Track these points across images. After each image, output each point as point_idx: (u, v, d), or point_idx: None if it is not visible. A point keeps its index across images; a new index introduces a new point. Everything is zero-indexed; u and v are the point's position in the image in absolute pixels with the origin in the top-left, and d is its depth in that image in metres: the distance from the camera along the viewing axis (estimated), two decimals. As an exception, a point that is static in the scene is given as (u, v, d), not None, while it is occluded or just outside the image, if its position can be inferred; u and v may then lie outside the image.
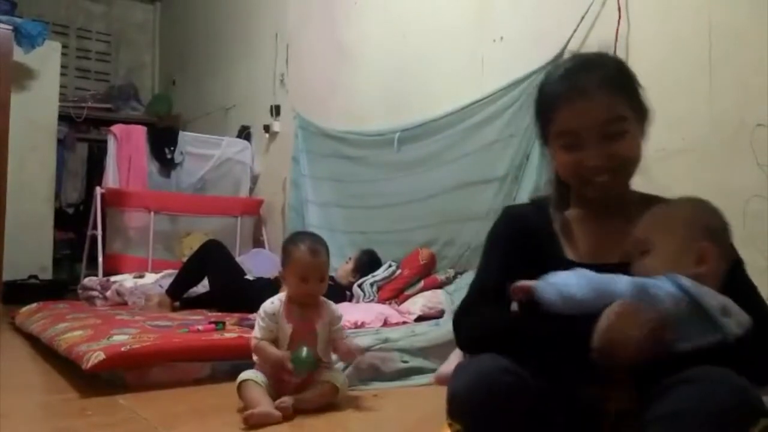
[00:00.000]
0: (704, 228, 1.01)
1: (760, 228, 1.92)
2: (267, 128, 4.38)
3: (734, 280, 1.02)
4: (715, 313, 0.89)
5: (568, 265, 1.08)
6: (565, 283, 0.95)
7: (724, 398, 0.81)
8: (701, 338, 0.89)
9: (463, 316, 1.14)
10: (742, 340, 0.89)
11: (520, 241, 1.14)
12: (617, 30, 2.34)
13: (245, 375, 1.72)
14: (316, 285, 1.80)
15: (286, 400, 1.66)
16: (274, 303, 1.79)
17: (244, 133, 4.64)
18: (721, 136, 2.11)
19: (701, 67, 2.16)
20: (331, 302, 1.89)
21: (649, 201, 1.14)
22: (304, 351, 1.69)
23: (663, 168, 2.19)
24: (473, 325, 1.10)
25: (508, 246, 1.16)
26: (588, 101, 1.04)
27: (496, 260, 1.17)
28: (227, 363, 2.12)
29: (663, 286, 0.92)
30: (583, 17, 2.48)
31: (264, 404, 1.62)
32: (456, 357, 1.28)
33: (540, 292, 0.96)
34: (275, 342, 1.77)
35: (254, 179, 4.61)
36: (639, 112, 1.10)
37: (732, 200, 1.97)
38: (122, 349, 1.96)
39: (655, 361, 0.90)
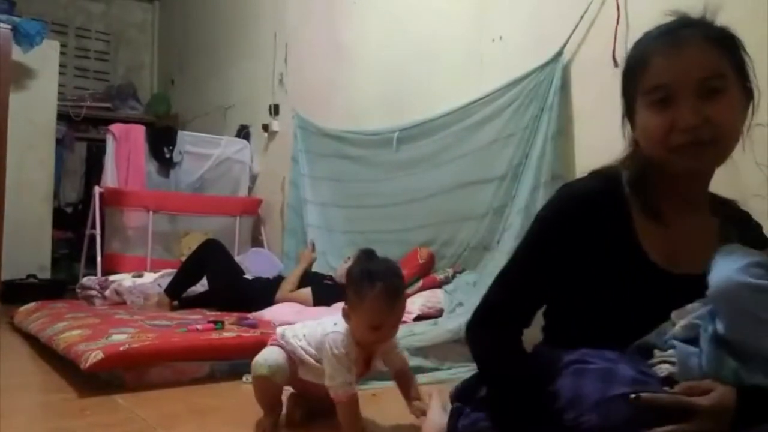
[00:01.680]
0: None
1: (759, 228, 1.92)
2: (266, 128, 4.38)
3: None
4: None
5: (651, 270, 1.00)
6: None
7: None
8: None
9: (476, 329, 1.08)
10: None
11: (580, 234, 1.00)
12: (616, 29, 2.34)
13: (263, 369, 1.52)
14: (388, 332, 1.47)
15: (297, 414, 1.63)
16: (344, 347, 1.45)
17: (243, 133, 4.64)
18: (719, 135, 2.11)
19: (700, 66, 2.16)
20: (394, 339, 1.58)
21: (723, 204, 1.09)
22: None
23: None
24: (479, 350, 1.06)
25: (555, 247, 1.02)
26: (687, 52, 0.96)
27: (532, 268, 1.05)
28: (226, 362, 2.13)
29: None
30: (582, 17, 2.47)
31: (273, 417, 1.57)
32: (436, 410, 1.22)
33: None
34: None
35: (253, 179, 4.61)
36: (742, 80, 1.00)
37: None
38: (121, 348, 1.96)
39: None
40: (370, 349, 1.52)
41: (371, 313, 1.41)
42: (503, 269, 1.10)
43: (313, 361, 1.52)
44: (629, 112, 1.05)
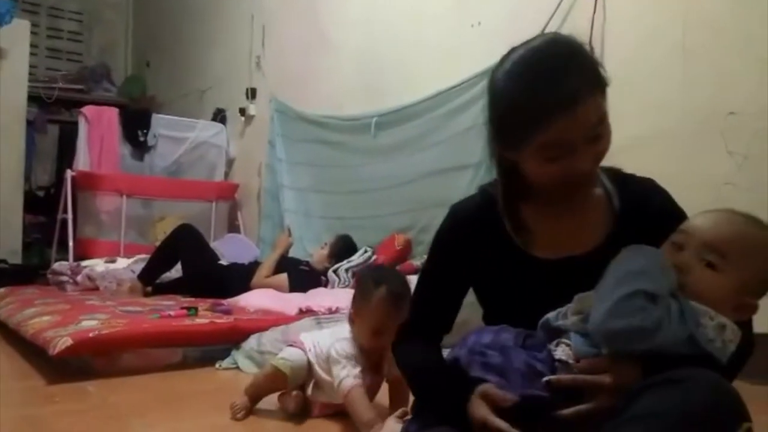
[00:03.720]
0: None
1: (729, 216, 1.95)
2: (243, 111, 4.33)
3: None
4: (714, 352, 0.85)
5: (528, 263, 1.07)
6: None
7: (705, 402, 0.78)
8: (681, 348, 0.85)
9: (398, 345, 1.20)
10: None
11: (469, 250, 1.11)
12: (593, 17, 2.35)
13: (285, 368, 1.50)
14: (391, 339, 1.39)
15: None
16: (350, 350, 1.45)
17: (220, 116, 4.58)
18: (693, 123, 2.13)
19: (675, 55, 2.17)
20: None
21: (608, 175, 1.10)
22: None
23: (636, 154, 2.20)
24: (402, 361, 1.18)
25: (449, 264, 1.14)
26: (581, 109, 0.93)
27: (433, 280, 1.17)
28: (198, 348, 2.11)
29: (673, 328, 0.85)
30: (559, 4, 2.47)
31: (250, 404, 1.55)
32: (392, 419, 1.24)
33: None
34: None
35: (229, 163, 4.57)
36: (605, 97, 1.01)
37: (703, 187, 2.00)
38: (90, 335, 1.92)
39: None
40: (377, 355, 1.48)
41: (374, 316, 1.41)
42: (416, 287, 1.21)
43: (322, 374, 1.49)
44: (507, 150, 1.03)
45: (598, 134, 0.96)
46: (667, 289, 0.88)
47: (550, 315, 0.98)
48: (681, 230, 0.95)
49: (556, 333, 0.96)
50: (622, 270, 0.90)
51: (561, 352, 0.93)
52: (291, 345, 1.59)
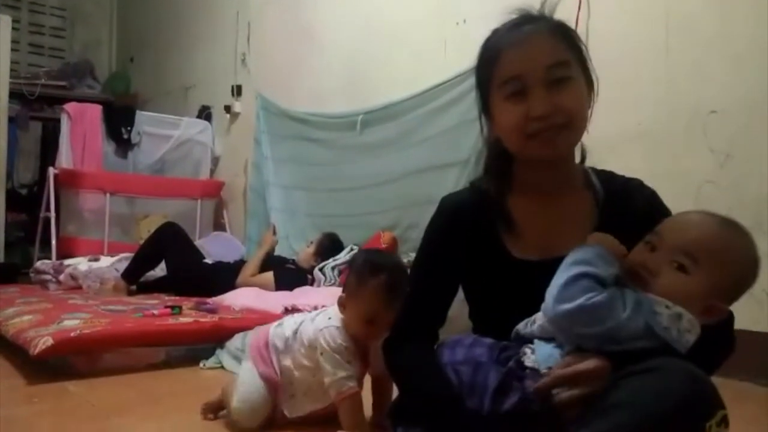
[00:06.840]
0: (744, 289, 0.93)
1: (711, 213, 1.96)
2: (228, 109, 4.31)
3: None
4: (669, 340, 0.86)
5: (512, 264, 1.07)
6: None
7: (681, 390, 0.79)
8: (640, 342, 0.86)
9: (391, 344, 1.18)
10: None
11: (457, 243, 1.11)
12: (578, 15, 2.35)
13: (237, 413, 1.41)
14: (381, 329, 1.31)
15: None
16: (342, 340, 1.35)
17: (205, 114, 4.55)
18: (676, 121, 2.15)
19: (659, 53, 2.18)
20: None
21: (599, 176, 1.12)
22: None
23: (620, 151, 2.23)
24: (396, 363, 1.16)
25: (440, 255, 1.14)
26: (533, 44, 1.03)
27: (426, 274, 1.17)
28: (182, 348, 2.09)
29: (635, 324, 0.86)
30: (544, 2, 2.47)
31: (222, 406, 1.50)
32: None
33: None
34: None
35: (215, 161, 4.54)
36: (583, 67, 1.07)
37: (685, 185, 2.01)
38: (72, 334, 1.89)
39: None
40: (364, 344, 1.39)
41: (369, 304, 1.33)
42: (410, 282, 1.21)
43: (308, 375, 1.40)
44: (485, 108, 1.11)
45: (555, 80, 1.01)
46: (611, 277, 0.91)
47: (519, 325, 0.99)
48: (655, 231, 0.94)
49: (528, 341, 0.96)
50: (566, 263, 0.93)
51: (529, 359, 0.94)
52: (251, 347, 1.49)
